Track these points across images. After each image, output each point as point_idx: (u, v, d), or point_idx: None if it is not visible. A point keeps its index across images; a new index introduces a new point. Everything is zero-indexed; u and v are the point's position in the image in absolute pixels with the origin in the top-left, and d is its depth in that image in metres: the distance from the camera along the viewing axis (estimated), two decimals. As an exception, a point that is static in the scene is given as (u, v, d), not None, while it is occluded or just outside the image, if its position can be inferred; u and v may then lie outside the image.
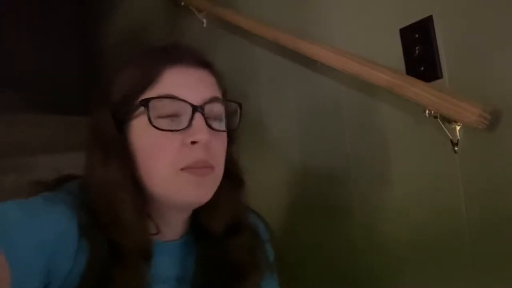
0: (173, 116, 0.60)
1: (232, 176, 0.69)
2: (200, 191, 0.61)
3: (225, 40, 1.46)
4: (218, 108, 0.64)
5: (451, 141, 0.81)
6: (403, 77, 0.85)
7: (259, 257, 0.71)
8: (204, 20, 1.57)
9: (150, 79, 0.61)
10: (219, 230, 0.67)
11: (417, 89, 0.81)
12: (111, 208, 0.58)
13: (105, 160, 0.60)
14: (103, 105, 0.63)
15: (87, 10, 2.80)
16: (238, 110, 0.67)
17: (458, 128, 0.80)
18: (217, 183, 0.64)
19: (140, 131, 0.61)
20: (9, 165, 1.40)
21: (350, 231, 1.03)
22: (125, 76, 0.63)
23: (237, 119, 0.67)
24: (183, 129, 0.59)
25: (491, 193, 0.77)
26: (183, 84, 0.61)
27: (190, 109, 0.59)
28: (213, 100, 0.63)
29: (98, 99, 0.65)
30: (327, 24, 1.10)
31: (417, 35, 0.87)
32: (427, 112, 0.81)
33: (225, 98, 0.67)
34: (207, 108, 0.61)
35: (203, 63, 0.65)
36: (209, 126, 0.61)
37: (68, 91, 2.56)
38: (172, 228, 0.67)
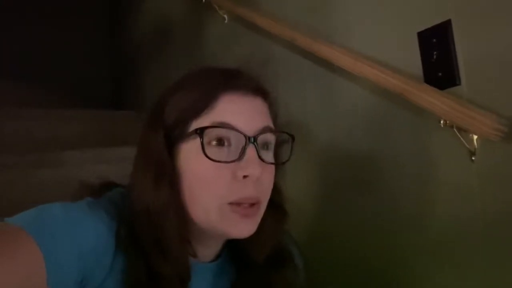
0: (224, 143, 0.58)
1: (276, 206, 0.67)
2: (244, 227, 0.59)
3: (245, 36, 1.46)
4: (269, 139, 0.62)
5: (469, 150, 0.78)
6: (417, 85, 0.82)
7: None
8: (225, 17, 1.58)
9: (205, 104, 0.59)
10: (260, 259, 0.66)
11: (430, 98, 0.79)
12: (154, 233, 0.57)
13: (156, 185, 0.58)
14: (157, 126, 0.61)
15: (116, 4, 2.86)
16: (291, 143, 0.65)
17: (475, 138, 0.78)
18: (261, 215, 0.62)
19: (190, 155, 0.59)
20: (42, 160, 1.44)
21: (362, 234, 1.02)
22: (180, 98, 0.61)
23: (286, 150, 0.65)
24: (235, 160, 0.58)
25: (508, 202, 0.75)
26: (239, 112, 0.59)
27: (243, 140, 0.58)
28: (266, 130, 0.61)
29: (151, 118, 0.63)
30: (345, 27, 1.08)
31: (434, 40, 0.84)
32: (442, 122, 0.79)
33: (276, 125, 0.65)
34: (259, 139, 0.59)
35: (260, 91, 0.63)
36: (261, 158, 0.59)
37: (98, 86, 2.63)
38: (208, 250, 0.66)
